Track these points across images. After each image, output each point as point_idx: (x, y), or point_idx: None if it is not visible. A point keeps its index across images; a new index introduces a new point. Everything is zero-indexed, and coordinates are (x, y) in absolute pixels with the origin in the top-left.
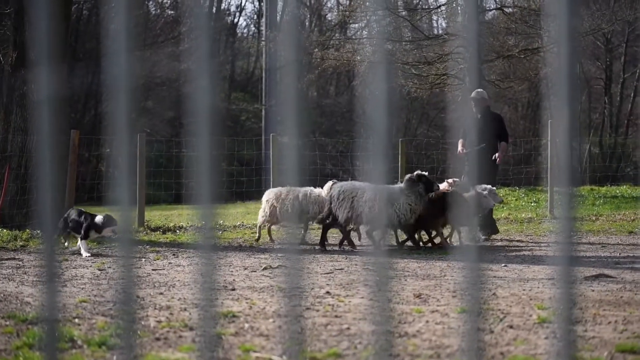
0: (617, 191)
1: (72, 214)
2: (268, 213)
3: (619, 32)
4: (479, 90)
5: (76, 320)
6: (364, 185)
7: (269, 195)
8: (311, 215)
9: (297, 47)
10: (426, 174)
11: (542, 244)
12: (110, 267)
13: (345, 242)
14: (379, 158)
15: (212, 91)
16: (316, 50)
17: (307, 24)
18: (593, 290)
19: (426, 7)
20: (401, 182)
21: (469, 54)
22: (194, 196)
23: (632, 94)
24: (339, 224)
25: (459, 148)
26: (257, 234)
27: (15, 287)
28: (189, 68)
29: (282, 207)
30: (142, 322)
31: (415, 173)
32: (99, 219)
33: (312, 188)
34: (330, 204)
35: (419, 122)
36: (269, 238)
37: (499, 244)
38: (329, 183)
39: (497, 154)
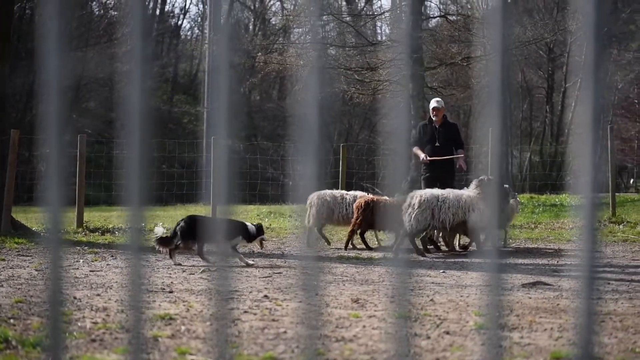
0: (557, 199)
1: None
2: (315, 215)
3: (561, 41)
4: (438, 99)
5: (11, 320)
6: (444, 193)
7: (311, 198)
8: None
9: (230, 51)
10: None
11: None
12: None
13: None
14: (309, 161)
15: (144, 93)
16: (259, 54)
17: (250, 27)
18: (530, 298)
19: (370, 13)
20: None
21: (411, 60)
22: (124, 198)
23: (573, 103)
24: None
25: (422, 156)
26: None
27: None
28: (126, 69)
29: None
30: (79, 324)
31: (485, 177)
32: (251, 227)
33: (344, 191)
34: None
35: (361, 128)
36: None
37: (434, 250)
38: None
39: (460, 162)
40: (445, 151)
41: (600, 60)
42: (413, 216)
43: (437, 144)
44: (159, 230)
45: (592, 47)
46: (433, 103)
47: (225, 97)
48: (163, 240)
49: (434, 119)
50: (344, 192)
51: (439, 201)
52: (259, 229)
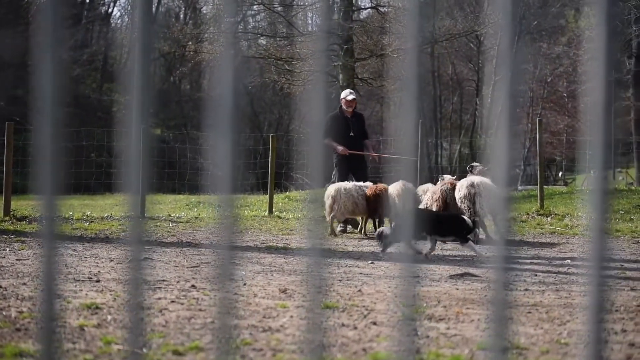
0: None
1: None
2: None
3: (492, 34)
4: (351, 90)
5: None
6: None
7: (329, 190)
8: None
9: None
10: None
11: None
12: None
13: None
14: (225, 148)
15: (55, 79)
16: (190, 43)
17: (181, 16)
18: (457, 289)
19: (301, 3)
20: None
21: (342, 51)
22: (37, 186)
23: (503, 96)
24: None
25: (339, 148)
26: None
27: None
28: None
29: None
30: (3, 312)
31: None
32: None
33: (362, 183)
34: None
35: (291, 118)
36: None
37: (367, 241)
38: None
39: (372, 154)
40: (359, 141)
41: (513, 50)
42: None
43: (351, 134)
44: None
45: (507, 37)
46: (350, 94)
47: (139, 83)
48: None
49: (348, 109)
50: (361, 183)
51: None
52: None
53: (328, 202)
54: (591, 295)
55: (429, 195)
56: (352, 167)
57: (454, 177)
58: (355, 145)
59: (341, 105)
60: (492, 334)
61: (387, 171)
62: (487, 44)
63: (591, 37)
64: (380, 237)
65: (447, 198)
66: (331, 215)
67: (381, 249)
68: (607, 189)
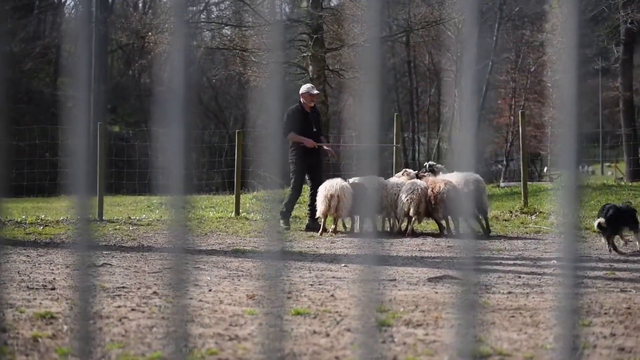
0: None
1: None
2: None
3: (471, 21)
4: (311, 85)
5: None
6: None
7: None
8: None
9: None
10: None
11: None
12: None
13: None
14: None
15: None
16: (150, 34)
17: (140, 5)
18: (436, 292)
19: None
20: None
21: (312, 42)
22: None
23: (484, 88)
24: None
25: (308, 140)
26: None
27: None
28: None
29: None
30: None
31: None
32: None
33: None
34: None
35: (259, 113)
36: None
37: (340, 242)
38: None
39: (331, 150)
40: (319, 136)
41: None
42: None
43: (315, 130)
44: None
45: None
46: (313, 89)
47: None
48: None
49: (310, 104)
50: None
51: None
52: None
53: (327, 199)
54: (565, 298)
55: (407, 193)
56: (310, 166)
57: (419, 171)
58: (316, 140)
59: (301, 100)
60: (474, 339)
61: (347, 168)
62: (466, 32)
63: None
64: None
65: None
66: (331, 213)
67: None
68: (579, 185)
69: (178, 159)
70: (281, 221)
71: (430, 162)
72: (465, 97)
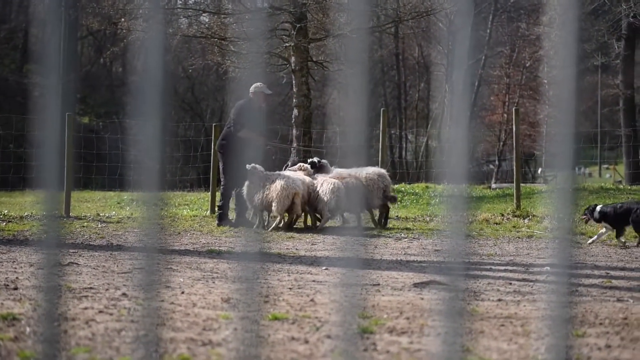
0: (456, 190)
1: None
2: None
3: (464, 12)
4: (261, 84)
5: None
6: None
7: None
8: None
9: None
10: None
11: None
12: None
13: None
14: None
15: None
16: (122, 20)
17: None
18: (422, 299)
19: None
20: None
21: (294, 31)
22: None
23: (476, 83)
24: None
25: (263, 140)
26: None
27: None
28: None
29: None
30: None
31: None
32: None
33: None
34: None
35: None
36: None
37: (321, 244)
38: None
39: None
40: (263, 135)
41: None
42: None
43: (261, 130)
44: None
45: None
46: (267, 89)
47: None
48: None
49: (263, 104)
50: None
51: None
52: None
53: (290, 198)
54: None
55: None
56: (240, 165)
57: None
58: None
59: (251, 98)
60: (461, 349)
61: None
62: (459, 23)
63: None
64: None
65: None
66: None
67: None
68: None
69: (152, 153)
70: (220, 222)
71: (315, 159)
72: (457, 92)
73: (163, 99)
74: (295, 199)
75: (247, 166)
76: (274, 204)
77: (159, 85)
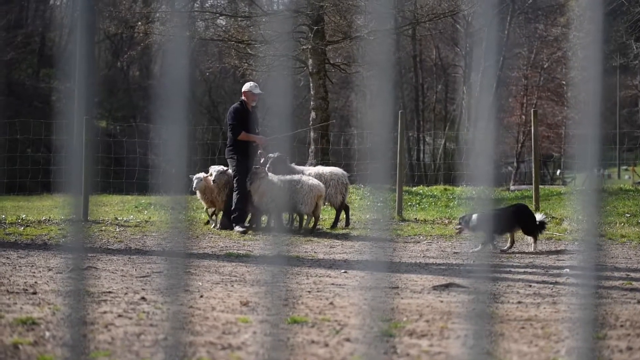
0: (474, 192)
1: None
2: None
3: (481, 14)
4: (255, 84)
5: None
6: None
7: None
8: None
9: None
10: None
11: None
12: None
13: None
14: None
15: None
16: (139, 23)
17: None
18: (442, 301)
19: None
20: None
21: (312, 34)
22: None
23: (494, 84)
24: None
25: (262, 138)
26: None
27: None
28: None
29: None
30: None
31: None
32: None
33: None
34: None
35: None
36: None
37: (339, 248)
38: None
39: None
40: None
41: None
42: None
43: (258, 130)
44: None
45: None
46: (256, 88)
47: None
48: None
49: (252, 104)
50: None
51: None
52: None
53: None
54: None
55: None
56: (250, 167)
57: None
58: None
59: (243, 99)
60: (482, 351)
61: (362, 169)
62: (476, 24)
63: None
64: None
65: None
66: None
67: None
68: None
69: (178, 158)
70: (237, 226)
71: (271, 154)
72: (484, 92)
73: (188, 104)
74: (319, 200)
75: (270, 155)
76: (302, 205)
77: (184, 91)
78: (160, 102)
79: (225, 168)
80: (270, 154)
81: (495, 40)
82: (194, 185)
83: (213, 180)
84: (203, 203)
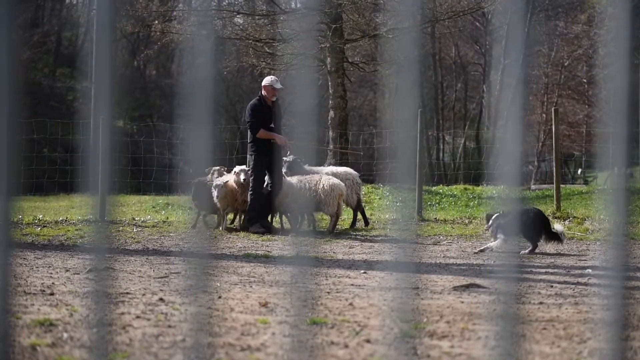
0: (494, 191)
1: None
2: None
3: (501, 12)
4: (275, 78)
5: None
6: None
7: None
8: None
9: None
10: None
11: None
12: None
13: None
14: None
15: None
16: (156, 22)
17: None
18: (462, 302)
19: None
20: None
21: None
22: None
23: (514, 83)
24: None
25: (279, 137)
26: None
27: None
28: None
29: None
30: None
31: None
32: None
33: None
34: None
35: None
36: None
37: (359, 248)
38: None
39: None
40: (278, 132)
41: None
42: None
43: (271, 126)
44: None
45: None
46: (277, 82)
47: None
48: None
49: (272, 98)
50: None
51: None
52: None
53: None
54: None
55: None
56: (269, 163)
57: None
58: None
59: (262, 94)
60: (504, 352)
61: (381, 168)
62: (496, 22)
63: (614, 14)
64: None
65: None
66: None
67: None
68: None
69: (204, 160)
70: (254, 227)
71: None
72: (511, 89)
73: (214, 106)
74: (340, 200)
75: (285, 158)
76: (325, 206)
77: (211, 92)
78: (185, 103)
79: (248, 168)
80: (284, 158)
81: (519, 38)
82: (215, 194)
83: (244, 179)
84: (219, 205)
